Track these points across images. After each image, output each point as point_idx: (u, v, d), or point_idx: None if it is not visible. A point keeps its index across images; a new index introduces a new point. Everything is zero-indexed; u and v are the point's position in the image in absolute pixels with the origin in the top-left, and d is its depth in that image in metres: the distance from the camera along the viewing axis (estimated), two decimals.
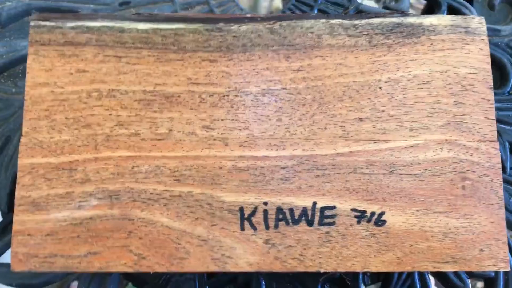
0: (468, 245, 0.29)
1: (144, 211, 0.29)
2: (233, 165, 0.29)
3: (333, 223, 0.29)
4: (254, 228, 0.29)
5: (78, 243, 0.28)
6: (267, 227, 0.29)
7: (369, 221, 0.29)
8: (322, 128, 0.30)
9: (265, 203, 0.29)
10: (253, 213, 0.29)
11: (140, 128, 0.29)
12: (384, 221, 0.29)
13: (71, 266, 0.28)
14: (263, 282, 0.35)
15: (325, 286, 0.36)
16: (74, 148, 0.29)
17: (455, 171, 0.30)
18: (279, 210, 0.29)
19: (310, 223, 0.29)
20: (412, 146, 0.30)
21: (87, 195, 0.28)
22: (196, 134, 0.29)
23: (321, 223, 0.29)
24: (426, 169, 0.30)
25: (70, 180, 0.28)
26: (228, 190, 0.29)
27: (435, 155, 0.30)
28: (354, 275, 0.35)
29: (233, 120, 0.30)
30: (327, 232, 0.29)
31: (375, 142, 0.30)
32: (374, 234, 0.29)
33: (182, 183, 0.29)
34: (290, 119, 0.30)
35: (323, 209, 0.29)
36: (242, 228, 0.29)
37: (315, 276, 0.35)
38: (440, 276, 0.36)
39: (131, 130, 0.29)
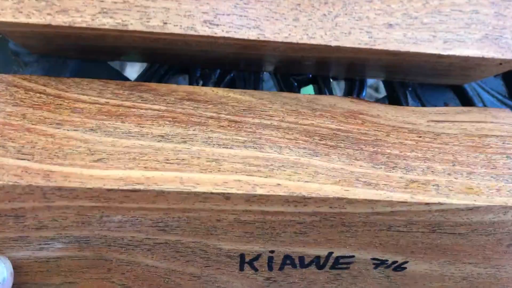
0: (484, 286, 0.27)
1: (123, 254, 0.24)
2: None
3: (346, 268, 0.25)
4: (255, 270, 0.25)
5: (49, 276, 0.24)
6: (270, 268, 0.25)
7: (388, 267, 0.26)
8: (345, 33, 0.25)
9: (272, 251, 0.25)
10: (256, 258, 0.25)
11: None
12: (404, 268, 0.26)
13: None
14: None
15: None
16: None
17: (508, 233, 0.25)
18: (287, 256, 0.25)
19: (320, 267, 0.25)
20: (471, 209, 0.24)
21: (47, 239, 0.23)
22: (195, 30, 0.24)
23: (333, 268, 0.25)
24: (475, 230, 0.25)
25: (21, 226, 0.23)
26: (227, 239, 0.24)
27: (494, 218, 0.25)
28: None
29: (241, 16, 0.25)
30: (338, 274, 0.25)
31: (427, 204, 0.24)
32: (389, 276, 0.26)
33: None
34: (309, 19, 0.25)
35: (339, 257, 0.25)
36: (242, 269, 0.25)
37: None
38: None
39: None
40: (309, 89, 0.35)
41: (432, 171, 0.25)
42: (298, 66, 0.31)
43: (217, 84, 0.32)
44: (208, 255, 0.24)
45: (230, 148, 0.24)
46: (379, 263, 0.25)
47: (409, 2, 0.26)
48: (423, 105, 0.33)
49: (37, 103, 0.24)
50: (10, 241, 0.23)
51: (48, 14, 0.24)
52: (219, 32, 0.24)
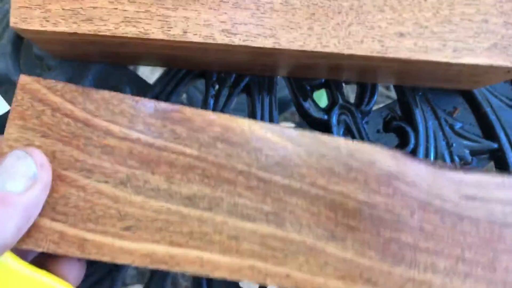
0: None
1: None
2: None
3: None
4: None
5: None
6: None
7: None
8: (358, 41, 0.26)
9: None
10: None
11: None
12: None
13: None
14: None
15: None
16: None
17: None
18: None
19: None
20: None
21: None
22: (214, 39, 0.25)
23: None
24: None
25: None
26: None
27: None
28: None
29: (257, 25, 0.26)
30: None
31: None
32: None
33: None
34: (322, 28, 0.26)
35: None
36: None
37: None
38: None
39: None
40: (321, 93, 0.36)
41: (433, 270, 0.25)
42: (312, 71, 0.32)
43: (232, 88, 0.33)
44: None
45: (252, 221, 0.25)
46: None
47: (420, 12, 0.27)
48: (432, 109, 0.34)
49: (66, 135, 0.24)
50: None
51: (74, 22, 0.25)
52: (236, 40, 0.26)
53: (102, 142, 0.24)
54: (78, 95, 0.24)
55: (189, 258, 0.24)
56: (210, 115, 0.25)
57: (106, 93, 0.24)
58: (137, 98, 0.25)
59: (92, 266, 0.29)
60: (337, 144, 0.26)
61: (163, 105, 0.25)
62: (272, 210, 0.25)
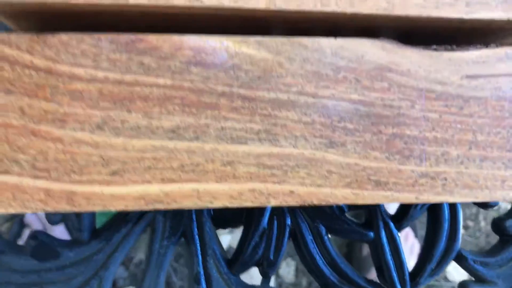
0: None
1: None
2: None
3: None
4: None
5: None
6: None
7: None
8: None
9: None
10: None
11: None
12: None
13: None
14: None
15: None
16: None
17: None
18: None
19: None
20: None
21: None
22: (201, 1, 0.23)
23: None
24: None
25: None
26: None
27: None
28: None
29: None
30: None
31: None
32: None
33: None
34: None
35: None
36: None
37: None
38: None
39: None
40: None
41: (446, 159, 0.24)
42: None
43: None
44: None
45: (244, 143, 0.23)
46: None
47: None
48: None
49: (30, 88, 0.22)
50: None
51: None
52: (226, 2, 0.23)
53: (69, 88, 0.23)
54: (34, 43, 0.23)
55: (184, 193, 0.22)
56: (177, 38, 0.23)
57: (64, 35, 0.23)
58: (97, 35, 0.23)
59: (79, 265, 0.28)
60: (319, 45, 0.24)
61: (125, 36, 0.23)
62: (262, 128, 0.23)
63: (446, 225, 0.33)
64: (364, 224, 0.33)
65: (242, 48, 0.23)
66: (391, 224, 0.33)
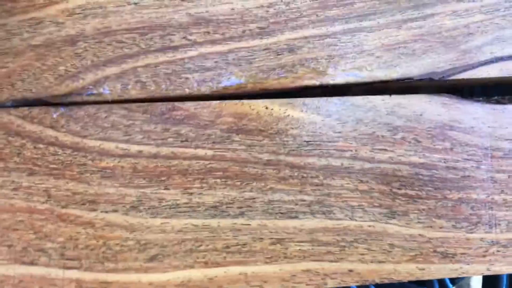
0: None
1: None
2: None
3: None
4: None
5: None
6: None
7: None
8: None
9: None
10: None
11: None
12: None
13: None
14: None
15: None
16: None
17: None
18: None
19: None
20: None
21: None
22: None
23: None
24: None
25: None
26: None
27: None
28: None
29: None
30: None
31: None
32: None
33: None
34: None
35: None
36: None
37: None
38: None
39: None
40: None
41: None
42: None
43: None
44: None
45: (295, 218, 0.21)
46: None
47: None
48: None
49: (55, 167, 0.20)
50: None
51: None
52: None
53: (100, 165, 0.20)
54: (59, 117, 0.20)
55: (231, 277, 0.20)
56: (216, 104, 0.21)
57: (91, 107, 0.20)
58: (128, 104, 0.21)
59: None
60: (373, 104, 0.22)
61: (159, 105, 0.21)
62: (314, 199, 0.21)
63: None
64: None
65: (288, 111, 0.21)
66: None
